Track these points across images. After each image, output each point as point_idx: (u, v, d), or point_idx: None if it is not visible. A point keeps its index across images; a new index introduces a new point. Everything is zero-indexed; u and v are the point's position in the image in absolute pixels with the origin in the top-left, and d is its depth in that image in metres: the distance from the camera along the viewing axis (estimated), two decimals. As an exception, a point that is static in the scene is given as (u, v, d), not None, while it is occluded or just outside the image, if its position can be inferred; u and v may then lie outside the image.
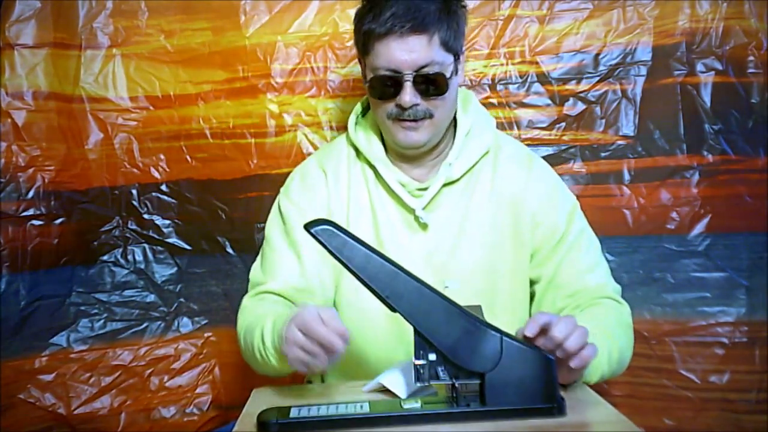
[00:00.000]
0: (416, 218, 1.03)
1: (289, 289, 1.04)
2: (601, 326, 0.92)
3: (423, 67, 0.96)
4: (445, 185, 1.04)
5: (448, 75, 0.98)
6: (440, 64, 0.97)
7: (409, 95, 0.97)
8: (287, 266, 1.05)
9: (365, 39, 0.99)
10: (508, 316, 1.02)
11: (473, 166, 1.05)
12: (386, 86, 0.98)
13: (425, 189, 1.03)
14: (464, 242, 1.03)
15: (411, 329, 0.79)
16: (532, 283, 1.06)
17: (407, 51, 0.96)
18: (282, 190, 1.11)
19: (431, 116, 0.99)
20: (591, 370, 0.88)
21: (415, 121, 0.99)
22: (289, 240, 1.06)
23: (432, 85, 0.97)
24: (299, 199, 1.07)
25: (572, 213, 1.06)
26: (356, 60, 1.06)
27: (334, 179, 1.07)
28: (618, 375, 0.98)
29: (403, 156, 1.06)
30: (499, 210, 1.04)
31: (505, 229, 1.04)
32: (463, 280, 1.01)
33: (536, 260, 1.05)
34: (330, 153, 1.11)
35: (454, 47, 0.99)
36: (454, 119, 1.07)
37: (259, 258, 1.10)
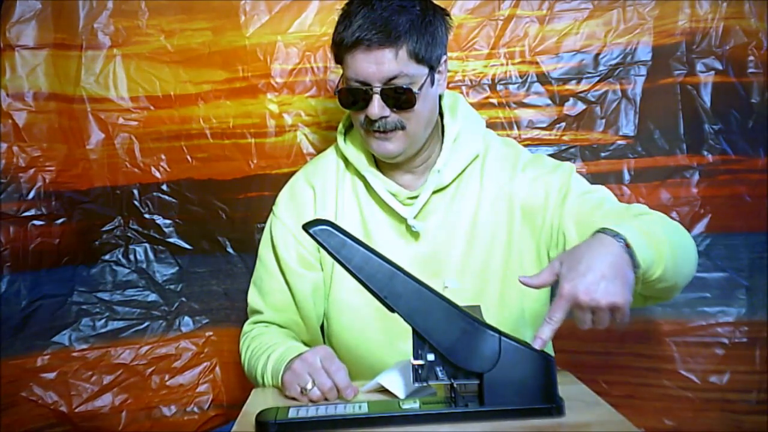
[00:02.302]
0: (408, 227, 1.03)
1: (284, 316, 1.07)
2: (646, 220, 0.87)
3: (392, 79, 0.95)
4: (434, 192, 1.03)
5: (417, 88, 0.96)
6: (410, 76, 0.96)
7: (376, 108, 0.96)
8: (280, 290, 1.07)
9: (337, 49, 0.99)
10: (497, 317, 1.01)
11: (462, 172, 1.04)
12: (354, 97, 0.98)
13: (415, 197, 1.03)
14: (457, 249, 1.03)
15: (403, 328, 0.79)
16: None
17: (374, 63, 0.95)
18: (273, 208, 1.12)
19: (403, 128, 0.98)
20: (654, 260, 0.80)
21: (385, 132, 0.98)
22: (279, 264, 1.08)
23: (400, 98, 0.96)
24: (288, 218, 1.08)
25: (569, 177, 1.02)
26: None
27: (322, 194, 1.07)
28: (686, 271, 0.89)
29: (389, 163, 1.05)
30: (488, 212, 1.03)
31: (496, 229, 1.03)
32: (458, 285, 1.01)
33: (555, 235, 0.99)
34: (318, 167, 1.11)
35: (427, 59, 0.97)
36: (442, 125, 1.06)
37: (254, 278, 1.12)
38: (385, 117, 0.97)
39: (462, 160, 1.04)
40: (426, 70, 0.98)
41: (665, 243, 0.83)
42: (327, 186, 1.08)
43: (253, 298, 1.11)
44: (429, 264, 1.02)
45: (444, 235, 1.03)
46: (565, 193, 1.01)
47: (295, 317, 1.08)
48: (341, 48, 0.98)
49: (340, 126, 1.11)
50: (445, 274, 1.02)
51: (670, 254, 0.84)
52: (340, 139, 1.09)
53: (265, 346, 1.01)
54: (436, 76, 1.01)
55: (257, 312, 1.10)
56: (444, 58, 1.02)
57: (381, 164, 1.06)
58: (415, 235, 1.03)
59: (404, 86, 0.96)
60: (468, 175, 1.05)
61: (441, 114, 1.07)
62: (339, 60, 1.00)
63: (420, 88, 0.97)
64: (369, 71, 0.95)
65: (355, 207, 1.06)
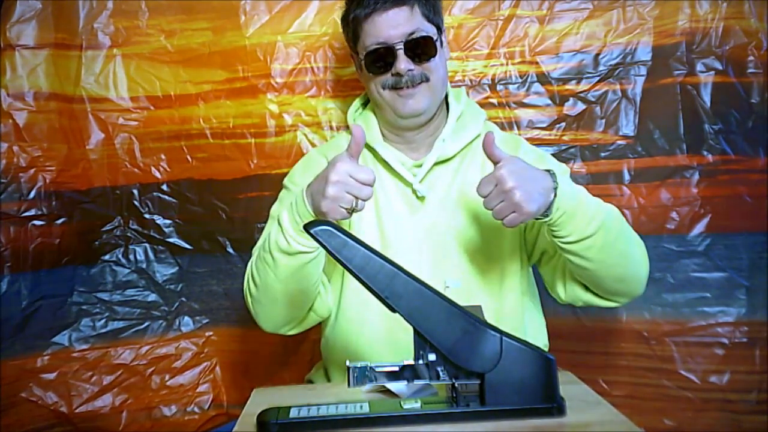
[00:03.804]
0: (414, 192, 1.06)
1: None
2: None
3: (411, 34, 1.03)
4: (438, 163, 1.07)
5: (435, 39, 1.04)
6: (426, 31, 1.04)
7: (403, 62, 1.03)
8: None
9: (354, 26, 1.06)
10: (500, 290, 1.04)
11: (466, 147, 1.08)
12: (380, 59, 1.04)
13: (420, 165, 1.07)
14: (459, 218, 1.06)
15: (411, 329, 0.79)
16: (533, 242, 1.07)
17: (393, 24, 1.02)
18: (286, 178, 1.14)
19: (427, 80, 1.04)
20: (578, 209, 0.89)
21: (412, 86, 1.04)
22: None
23: (422, 48, 1.03)
24: (303, 182, 1.09)
25: (566, 175, 1.07)
26: (353, 61, 1.10)
27: None
28: (624, 261, 0.96)
29: (401, 131, 1.09)
30: None
31: None
32: (458, 256, 1.04)
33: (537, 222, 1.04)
34: (331, 143, 1.17)
35: (435, 21, 1.06)
36: (447, 105, 1.11)
37: (262, 235, 1.10)
38: (411, 70, 1.03)
39: (466, 135, 1.08)
40: (435, 30, 1.06)
41: (597, 221, 0.91)
42: None
43: (258, 246, 1.08)
44: (434, 232, 1.05)
45: (449, 205, 1.06)
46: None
47: None
48: (358, 21, 1.04)
49: (353, 108, 1.15)
50: (450, 241, 1.05)
51: (600, 235, 0.91)
52: (350, 119, 1.14)
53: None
54: (443, 40, 1.08)
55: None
56: (444, 28, 1.10)
57: (390, 140, 1.10)
58: (421, 199, 1.06)
59: (423, 35, 1.03)
60: (472, 151, 1.09)
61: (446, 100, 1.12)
62: (355, 37, 1.06)
63: (436, 41, 1.04)
64: (389, 33, 1.03)
65: None
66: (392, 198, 1.08)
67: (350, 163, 0.88)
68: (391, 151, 1.09)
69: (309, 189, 0.92)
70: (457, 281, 1.02)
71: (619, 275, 0.97)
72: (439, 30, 1.07)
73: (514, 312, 1.05)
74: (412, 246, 1.04)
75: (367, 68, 1.05)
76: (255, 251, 1.06)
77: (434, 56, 1.04)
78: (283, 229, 0.94)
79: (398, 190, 1.08)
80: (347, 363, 0.79)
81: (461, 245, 1.05)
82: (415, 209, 1.07)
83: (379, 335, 1.04)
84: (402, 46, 1.02)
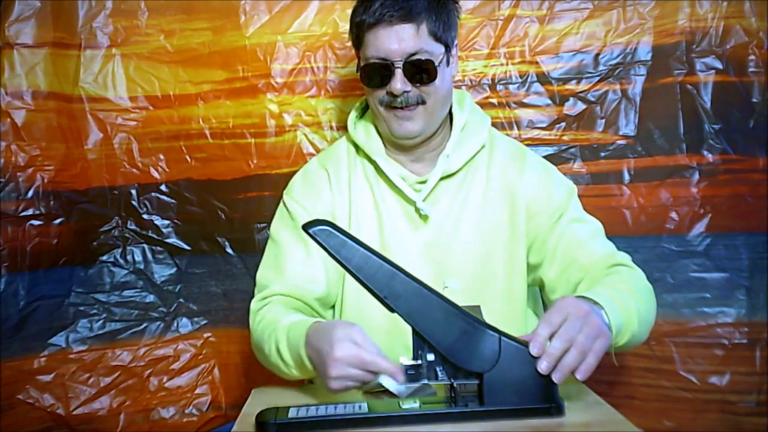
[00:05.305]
0: (417, 210, 1.04)
1: (294, 287, 1.03)
2: (623, 287, 0.92)
3: (412, 54, 0.99)
4: (442, 179, 1.05)
5: (437, 63, 1.00)
6: (429, 52, 1.00)
7: (399, 82, 0.99)
8: (294, 259, 1.05)
9: (357, 30, 1.02)
10: (502, 307, 1.03)
11: (470, 160, 1.06)
12: (377, 74, 1.01)
13: (424, 182, 1.05)
14: (462, 235, 1.04)
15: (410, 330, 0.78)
16: (535, 269, 1.05)
17: (396, 40, 0.98)
18: (285, 191, 1.12)
19: (423, 103, 1.01)
20: (622, 330, 0.86)
21: (407, 108, 1.01)
22: (296, 234, 1.06)
23: (421, 71, 0.99)
24: (303, 198, 1.09)
25: (570, 196, 1.06)
26: (356, 60, 1.09)
27: (336, 177, 1.09)
28: (643, 339, 0.94)
29: (401, 149, 1.07)
30: (494, 203, 1.05)
31: (501, 221, 1.05)
32: (460, 273, 1.02)
33: (537, 244, 1.04)
34: (331, 153, 1.13)
35: (444, 38, 1.01)
36: (450, 115, 1.09)
37: (264, 259, 1.10)
38: (407, 92, 1.00)
39: (470, 148, 1.06)
40: (443, 49, 1.02)
41: (633, 327, 0.88)
42: (340, 169, 1.09)
43: (261, 274, 1.07)
44: (435, 248, 1.04)
45: (451, 221, 1.05)
46: (561, 214, 1.04)
47: (302, 285, 1.04)
48: (362, 28, 1.01)
49: (352, 115, 1.12)
50: (451, 259, 1.03)
51: (638, 330, 0.89)
52: (350, 126, 1.11)
53: (270, 332, 0.96)
54: (451, 58, 1.04)
55: (264, 286, 1.05)
56: (456, 42, 1.06)
57: (391, 152, 1.08)
58: (424, 218, 1.05)
59: (425, 59, 0.99)
60: (476, 164, 1.07)
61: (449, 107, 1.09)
62: (359, 42, 1.03)
63: (438, 65, 1.00)
64: (391, 48, 0.99)
65: (367, 190, 1.07)
66: (394, 213, 1.06)
67: (355, 348, 0.79)
68: (393, 166, 1.05)
69: (309, 347, 0.85)
70: (457, 282, 1.02)
71: (643, 337, 0.96)
72: (448, 48, 1.02)
73: (516, 325, 1.04)
74: (414, 261, 1.02)
75: (362, 81, 1.03)
76: (254, 307, 1.02)
77: (433, 80, 0.99)
78: (283, 358, 0.93)
79: (400, 206, 1.06)
80: (402, 361, 0.78)
81: (463, 261, 1.03)
82: (418, 226, 1.05)
83: (382, 336, 1.03)
84: (401, 65, 0.98)
